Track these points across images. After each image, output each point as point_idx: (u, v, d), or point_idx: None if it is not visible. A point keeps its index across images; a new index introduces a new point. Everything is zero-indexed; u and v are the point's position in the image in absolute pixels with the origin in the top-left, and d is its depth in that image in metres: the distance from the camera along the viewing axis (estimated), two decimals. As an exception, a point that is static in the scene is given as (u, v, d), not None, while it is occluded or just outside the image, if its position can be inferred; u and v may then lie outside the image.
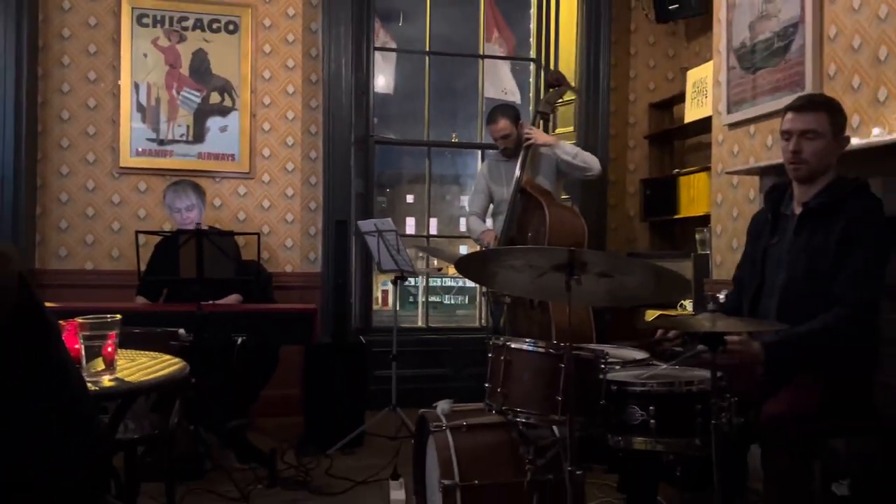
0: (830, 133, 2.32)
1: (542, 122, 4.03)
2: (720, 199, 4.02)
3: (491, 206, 4.23)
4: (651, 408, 2.08)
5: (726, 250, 3.92)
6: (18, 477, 0.91)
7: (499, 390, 2.23)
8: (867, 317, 2.21)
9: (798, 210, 2.39)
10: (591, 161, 3.94)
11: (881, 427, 2.29)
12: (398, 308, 4.40)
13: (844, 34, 3.16)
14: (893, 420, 2.38)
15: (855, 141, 2.89)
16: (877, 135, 2.84)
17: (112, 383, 1.74)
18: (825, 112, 2.32)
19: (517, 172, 3.86)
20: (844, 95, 3.09)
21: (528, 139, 3.90)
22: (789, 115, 2.37)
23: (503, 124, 4.02)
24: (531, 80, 5.55)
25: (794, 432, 2.06)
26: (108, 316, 1.78)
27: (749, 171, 3.54)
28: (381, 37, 5.35)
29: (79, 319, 1.76)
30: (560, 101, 4.23)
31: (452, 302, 11.71)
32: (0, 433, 0.87)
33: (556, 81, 4.05)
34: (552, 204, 3.70)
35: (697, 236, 4.48)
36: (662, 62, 5.39)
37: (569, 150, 3.95)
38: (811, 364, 2.19)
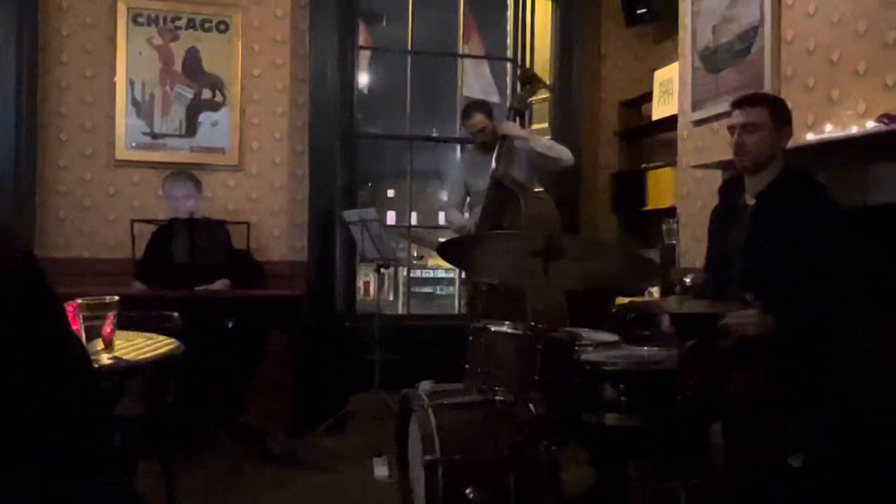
0: (771, 125, 2.35)
1: (517, 118, 4.02)
2: (685, 191, 4.06)
3: (468, 198, 4.22)
4: (622, 386, 2.11)
5: (691, 240, 3.96)
6: (23, 451, 0.89)
7: (478, 370, 2.24)
8: (860, 303, 2.23)
9: (751, 201, 2.42)
10: (564, 153, 3.93)
11: (835, 402, 2.33)
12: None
13: (800, 38, 3.19)
14: (845, 396, 2.42)
15: (810, 137, 2.93)
16: (829, 131, 2.88)
17: (111, 361, 1.72)
18: (764, 106, 2.37)
19: (493, 165, 3.84)
20: (800, 95, 3.12)
21: (503, 133, 3.88)
22: (734, 112, 2.42)
23: (478, 119, 4.00)
24: (508, 79, 5.55)
25: (754, 408, 2.09)
26: (107, 297, 1.77)
27: (712, 166, 3.57)
28: (365, 37, 5.31)
29: (78, 300, 1.74)
30: (534, 98, 4.21)
31: (444, 293, 11.63)
32: (5, 405, 0.86)
33: (528, 80, 4.03)
34: (526, 195, 3.69)
35: (664, 227, 4.52)
36: (631, 63, 5.41)
37: (542, 142, 3.94)
38: (807, 340, 2.21)
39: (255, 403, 4.04)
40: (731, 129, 2.41)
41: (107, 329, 1.74)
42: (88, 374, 0.97)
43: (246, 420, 3.57)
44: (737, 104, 2.41)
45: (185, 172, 3.97)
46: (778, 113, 2.38)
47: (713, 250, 2.59)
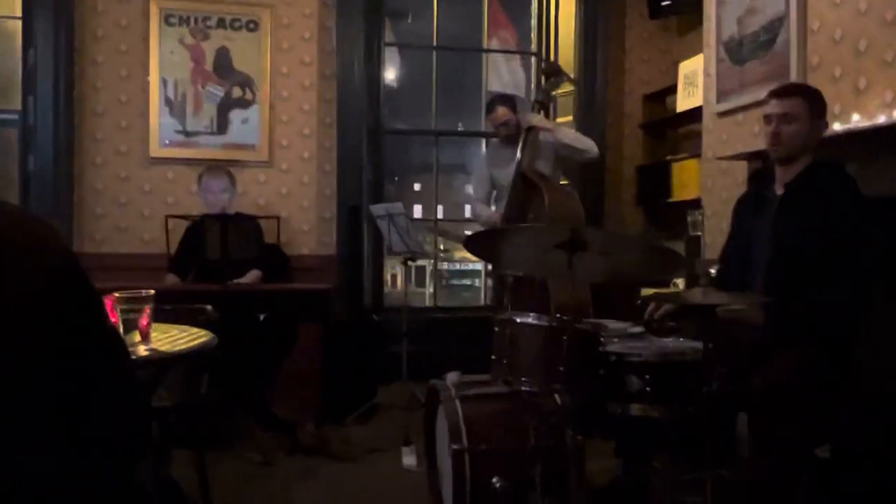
0: (807, 117, 2.32)
1: (541, 110, 3.99)
2: (710, 183, 4.01)
3: (494, 192, 4.20)
4: (647, 377, 2.09)
5: (716, 231, 3.91)
6: (66, 439, 0.92)
7: (504, 362, 2.24)
8: (868, 292, 2.20)
9: (780, 191, 2.39)
10: (590, 144, 3.90)
11: (862, 394, 2.30)
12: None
13: (826, 27, 3.13)
14: (871, 387, 2.38)
15: (837, 127, 2.88)
16: (856, 121, 2.82)
17: (147, 353, 1.75)
18: (802, 97, 2.34)
19: (517, 157, 3.82)
20: (826, 85, 3.07)
21: (529, 124, 3.85)
22: (771, 101, 2.39)
23: (502, 111, 3.99)
24: (532, 72, 5.52)
25: (780, 400, 2.06)
26: (143, 291, 1.80)
27: (737, 157, 3.53)
28: (392, 34, 5.32)
29: (116, 294, 1.77)
30: (558, 91, 4.17)
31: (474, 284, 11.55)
32: (49, 397, 0.88)
33: (552, 72, 3.99)
34: (550, 188, 3.66)
35: (689, 219, 4.45)
36: (655, 56, 5.35)
37: (569, 133, 3.91)
38: (806, 333, 2.19)
39: (285, 395, 4.08)
40: (767, 118, 2.38)
41: (143, 321, 1.77)
42: (127, 366, 1.00)
43: (277, 411, 3.60)
44: (775, 94, 2.39)
45: (221, 167, 4.03)
46: (815, 104, 2.35)
47: (736, 237, 2.56)
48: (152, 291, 1.82)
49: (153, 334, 1.87)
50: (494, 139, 4.31)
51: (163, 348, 1.80)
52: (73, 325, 0.86)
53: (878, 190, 2.61)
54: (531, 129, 3.82)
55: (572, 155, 3.92)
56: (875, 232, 2.22)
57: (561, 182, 4.29)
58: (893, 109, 2.69)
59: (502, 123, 3.98)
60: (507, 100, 4.09)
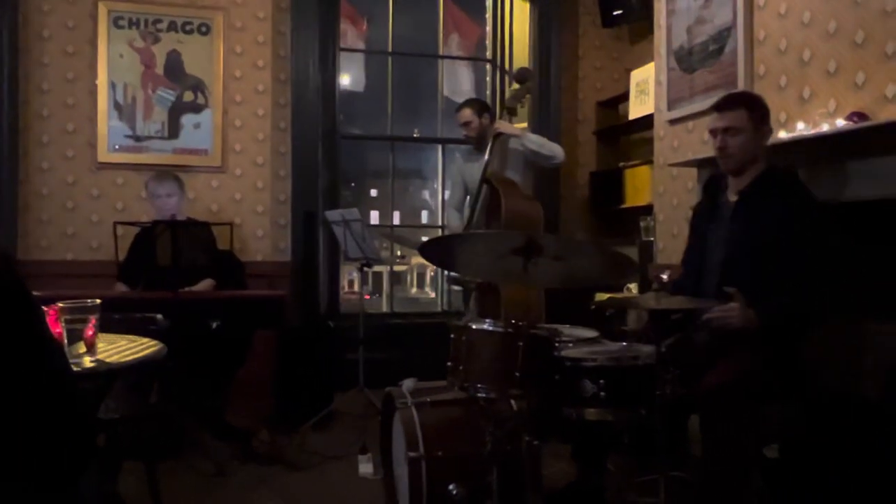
0: (751, 127, 2.36)
1: (509, 116, 4.00)
2: (662, 189, 4.08)
3: (468, 197, 4.19)
4: (601, 381, 2.10)
5: (668, 236, 3.98)
6: (2, 453, 0.88)
7: (460, 368, 2.22)
8: (828, 298, 2.25)
9: (734, 198, 2.43)
10: (556, 149, 3.92)
11: (808, 394, 2.35)
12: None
13: (772, 38, 3.22)
14: (818, 387, 2.44)
15: (782, 135, 2.95)
16: (801, 129, 2.90)
17: (93, 364, 1.70)
18: (744, 108, 2.37)
19: (483, 164, 3.83)
20: (772, 94, 3.15)
21: (497, 130, 3.86)
22: (714, 115, 2.43)
23: (465, 113, 4.01)
24: (487, 79, 5.54)
25: (730, 400, 2.10)
26: (88, 300, 1.74)
27: (687, 164, 3.59)
28: (349, 37, 5.27)
29: (59, 304, 1.71)
30: (527, 96, 4.16)
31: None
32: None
33: (523, 78, 4.00)
34: (509, 193, 3.68)
35: (641, 224, 4.54)
36: (608, 63, 5.43)
37: (535, 139, 3.93)
38: (788, 331, 2.22)
39: (239, 403, 4.01)
40: (712, 132, 2.42)
41: (88, 332, 1.71)
42: (68, 377, 0.96)
43: (230, 420, 3.54)
44: (717, 107, 2.42)
45: (168, 172, 3.93)
46: (757, 113, 2.39)
47: (693, 245, 2.60)
48: (98, 301, 1.76)
49: (100, 345, 1.81)
50: (467, 145, 4.31)
51: (109, 359, 1.75)
52: (8, 338, 0.82)
53: (825, 197, 2.68)
54: (498, 136, 3.83)
55: (538, 161, 3.95)
56: (829, 237, 2.27)
57: (532, 188, 4.29)
58: (836, 118, 2.77)
59: (463, 124, 4.03)
60: (476, 104, 4.11)
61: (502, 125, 3.86)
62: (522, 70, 4.03)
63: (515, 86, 4.02)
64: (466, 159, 4.21)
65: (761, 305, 2.18)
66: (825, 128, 2.76)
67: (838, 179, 2.74)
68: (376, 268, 5.97)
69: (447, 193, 4.62)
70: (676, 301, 2.11)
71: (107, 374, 1.75)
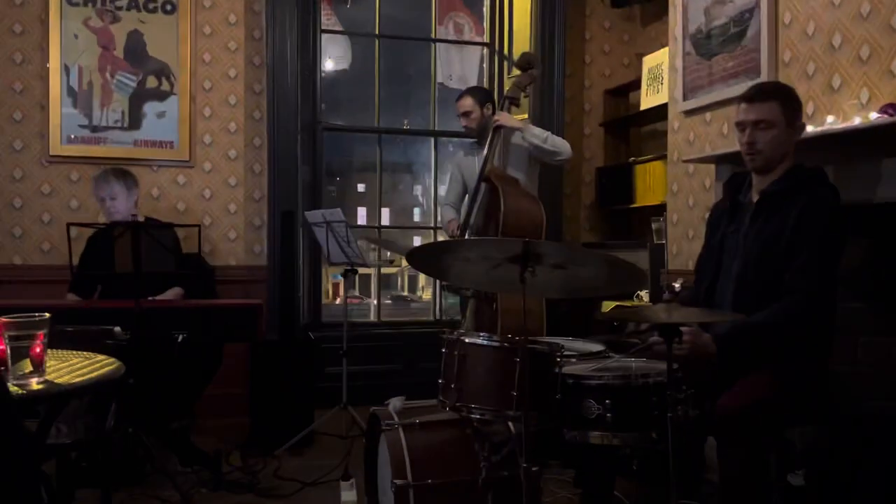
0: (784, 121, 2.36)
1: (511, 107, 3.99)
2: (676, 187, 4.08)
3: (466, 197, 4.19)
4: (607, 401, 2.11)
5: (682, 240, 3.99)
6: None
7: (452, 386, 2.23)
8: (818, 306, 2.26)
9: (755, 198, 2.43)
10: (561, 145, 3.92)
11: (835, 416, 2.36)
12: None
13: (799, 20, 3.22)
14: (846, 408, 2.45)
15: (809, 129, 2.95)
16: (830, 123, 2.90)
17: (41, 386, 1.69)
18: (777, 101, 2.36)
19: (483, 159, 3.84)
20: (799, 82, 3.16)
21: (496, 123, 3.87)
22: (743, 106, 2.41)
23: (466, 102, 4.04)
24: (484, 64, 5.54)
25: (749, 424, 2.10)
26: (36, 314, 1.73)
27: (705, 160, 3.59)
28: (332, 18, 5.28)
29: (3, 319, 1.70)
30: (530, 86, 4.15)
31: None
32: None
33: (527, 64, 3.98)
34: (509, 192, 3.68)
35: (653, 225, 4.55)
36: (618, 48, 5.44)
37: (538, 133, 3.92)
38: (764, 355, 2.24)
39: (208, 424, 4.00)
40: (740, 125, 2.41)
41: (36, 349, 1.70)
42: (5, 409, 0.95)
43: (198, 443, 3.53)
44: (747, 98, 2.40)
45: (107, 169, 3.85)
46: (790, 106, 2.39)
47: (709, 250, 2.60)
48: (47, 315, 1.75)
49: (49, 363, 1.80)
50: (468, 140, 4.32)
51: (60, 380, 1.74)
52: None
53: (857, 198, 2.69)
54: (498, 129, 3.83)
55: (542, 157, 3.95)
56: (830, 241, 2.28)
57: (537, 185, 4.29)
58: (869, 110, 2.77)
59: (462, 114, 4.05)
60: (478, 92, 4.14)
61: (503, 117, 3.86)
62: (526, 55, 4.03)
63: (516, 72, 4.02)
64: (466, 153, 4.23)
65: (719, 328, 2.18)
66: (857, 121, 2.77)
67: (871, 179, 2.74)
68: (364, 270, 5.98)
69: (443, 189, 4.62)
70: (689, 314, 2.11)
71: (57, 396, 1.74)
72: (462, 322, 3.98)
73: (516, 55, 4.88)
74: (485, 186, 3.79)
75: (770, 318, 2.22)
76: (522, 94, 4.00)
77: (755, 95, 2.39)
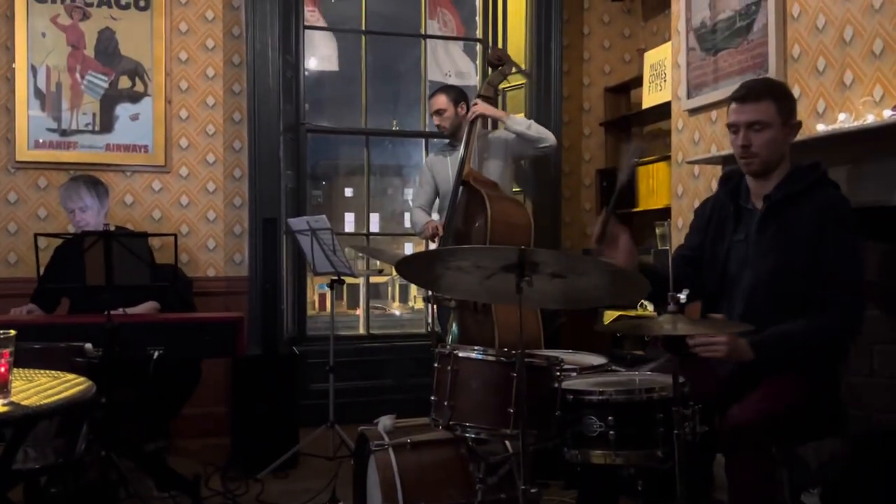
0: (779, 121, 2.35)
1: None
2: (681, 190, 4.10)
3: (437, 200, 4.24)
4: (609, 418, 2.10)
5: (688, 245, 3.99)
6: None
7: (446, 403, 2.22)
8: (856, 321, 2.27)
9: (759, 204, 2.43)
10: (545, 132, 3.97)
11: (851, 430, 2.36)
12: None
13: (808, 13, 3.24)
14: (862, 422, 2.45)
15: (820, 128, 2.97)
16: (842, 121, 2.92)
17: (6, 408, 1.68)
18: (770, 99, 2.35)
19: (460, 157, 3.88)
20: (809, 78, 3.17)
21: (474, 111, 3.91)
22: (734, 107, 2.39)
23: (439, 99, 4.10)
24: (477, 61, 5.56)
25: (760, 438, 2.10)
26: (0, 332, 1.72)
27: (711, 160, 3.61)
28: (314, 14, 5.29)
29: (-36, 336, 1.69)
30: (505, 82, 4.24)
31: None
32: None
33: (497, 61, 4.06)
34: (494, 197, 3.71)
35: (657, 230, 4.56)
36: (618, 43, 5.46)
37: (520, 121, 3.97)
38: (783, 363, 2.24)
39: (186, 446, 3.99)
40: (732, 126, 2.41)
41: (0, 368, 1.70)
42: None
43: (175, 465, 3.51)
44: (738, 98, 2.39)
45: (78, 178, 3.86)
46: (784, 105, 2.37)
47: (712, 257, 2.58)
48: (12, 332, 1.74)
49: (15, 383, 1.79)
50: (439, 141, 4.35)
51: (27, 401, 1.73)
52: None
53: (869, 200, 2.70)
54: (475, 122, 3.87)
55: (525, 149, 3.99)
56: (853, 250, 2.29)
57: (514, 190, 4.34)
58: (883, 108, 2.79)
59: (435, 112, 4.10)
60: (452, 90, 4.20)
61: (481, 106, 3.91)
62: (496, 51, 4.12)
63: (493, 70, 4.09)
64: (439, 156, 4.26)
65: (755, 334, 2.19)
66: (870, 119, 2.78)
67: (886, 180, 2.76)
68: (351, 280, 5.97)
69: (410, 192, 4.67)
70: (696, 325, 2.12)
71: (22, 419, 1.73)
72: (445, 336, 3.98)
73: (511, 50, 4.91)
74: (463, 189, 3.82)
75: (809, 331, 2.23)
76: (495, 93, 4.06)
77: (747, 95, 2.38)
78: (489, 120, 4.23)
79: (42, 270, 3.67)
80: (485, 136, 4.07)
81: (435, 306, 3.92)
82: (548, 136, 3.98)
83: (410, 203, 4.47)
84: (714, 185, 3.76)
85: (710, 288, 2.51)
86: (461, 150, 3.90)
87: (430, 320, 5.38)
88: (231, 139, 4.69)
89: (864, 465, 2.48)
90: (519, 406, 2.08)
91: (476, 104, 3.95)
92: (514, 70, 4.19)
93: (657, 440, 2.10)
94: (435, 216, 4.26)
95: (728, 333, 2.18)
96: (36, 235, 3.22)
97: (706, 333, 2.17)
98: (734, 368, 2.32)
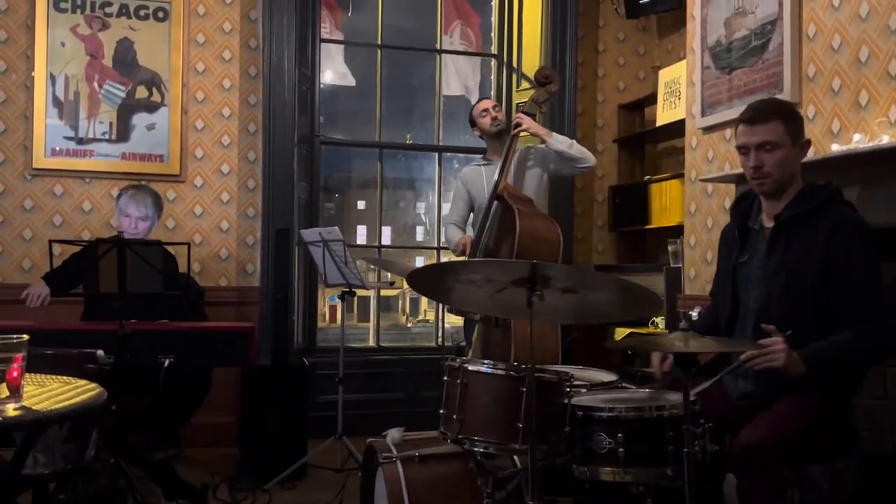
0: (788, 140, 2.34)
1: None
2: (694, 208, 4.09)
3: (471, 215, 4.18)
4: (619, 435, 2.09)
5: (700, 263, 3.98)
6: None
7: (455, 417, 2.22)
8: (891, 336, 2.25)
9: (769, 224, 2.42)
10: (586, 153, 3.90)
11: (863, 452, 2.34)
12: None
13: (824, 33, 3.24)
14: (875, 444, 2.43)
15: (835, 148, 2.97)
16: (857, 141, 2.91)
17: (17, 412, 1.69)
18: (779, 119, 2.34)
19: (496, 175, 3.79)
20: (824, 98, 3.17)
21: (517, 122, 3.85)
22: (742, 128, 2.39)
23: (487, 102, 4.08)
24: (492, 77, 5.57)
25: (772, 459, 2.09)
26: (14, 336, 1.73)
27: (724, 179, 3.60)
28: (330, 27, 5.32)
29: (-23, 341, 1.70)
30: (547, 101, 4.15)
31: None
32: None
33: (545, 79, 3.97)
34: (524, 213, 3.64)
35: (670, 248, 4.54)
36: (633, 60, 5.47)
37: (562, 139, 3.91)
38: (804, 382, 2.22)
39: (194, 455, 3.99)
40: (742, 148, 2.40)
41: (12, 373, 1.70)
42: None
43: (184, 474, 3.51)
44: (747, 120, 2.38)
45: (147, 188, 3.95)
46: (793, 124, 2.37)
47: (723, 279, 2.58)
48: (25, 337, 1.75)
49: (27, 388, 1.80)
50: (477, 156, 4.31)
51: (38, 406, 1.73)
52: None
53: (883, 220, 2.68)
54: (516, 137, 3.81)
55: (563, 167, 3.93)
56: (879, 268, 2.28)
57: (547, 204, 4.28)
58: (897, 128, 2.78)
59: (484, 109, 4.02)
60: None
61: (527, 122, 3.83)
62: (544, 70, 4.02)
63: (525, 85, 4.05)
64: (474, 170, 4.16)
65: (809, 347, 2.17)
66: (885, 140, 2.78)
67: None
68: (362, 292, 5.98)
69: (447, 207, 4.60)
70: (708, 343, 2.11)
71: (34, 424, 1.73)
72: (468, 348, 3.95)
73: (525, 66, 4.91)
74: (497, 204, 3.75)
75: (854, 346, 2.21)
76: (539, 111, 4.00)
77: (755, 116, 2.37)
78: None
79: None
80: (524, 151, 4.02)
81: (462, 319, 3.90)
82: (588, 157, 3.89)
83: (446, 217, 4.40)
84: (727, 204, 3.76)
85: (725, 310, 2.50)
86: (497, 171, 3.82)
87: (440, 333, 5.40)
88: (245, 150, 4.71)
89: (876, 487, 2.45)
90: (528, 421, 2.08)
91: (521, 118, 3.86)
92: (554, 89, 4.11)
93: (667, 458, 2.09)
94: (470, 231, 4.18)
95: (785, 347, 2.14)
96: (51, 242, 3.24)
97: (761, 344, 2.15)
98: (746, 387, 2.30)
